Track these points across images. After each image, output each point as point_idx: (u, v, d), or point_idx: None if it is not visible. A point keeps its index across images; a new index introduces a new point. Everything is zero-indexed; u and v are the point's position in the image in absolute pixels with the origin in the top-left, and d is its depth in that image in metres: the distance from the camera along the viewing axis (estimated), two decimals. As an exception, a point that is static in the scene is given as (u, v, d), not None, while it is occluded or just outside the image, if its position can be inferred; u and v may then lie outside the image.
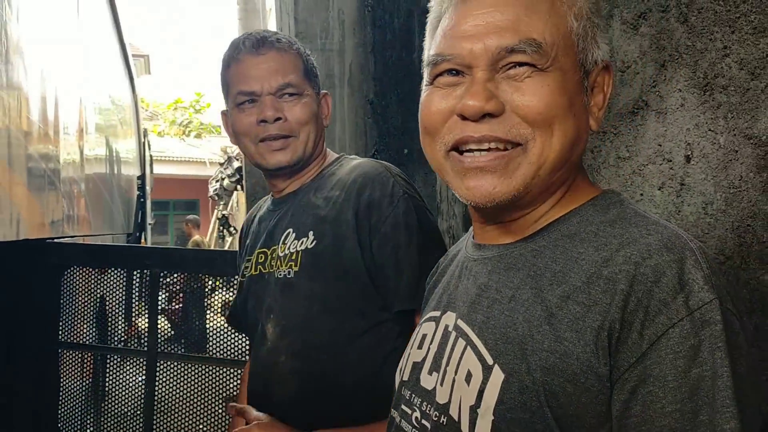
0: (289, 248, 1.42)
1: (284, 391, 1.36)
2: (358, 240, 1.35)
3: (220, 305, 4.51)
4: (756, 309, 1.25)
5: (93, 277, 2.68)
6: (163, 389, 2.44)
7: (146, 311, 2.57)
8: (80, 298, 2.50)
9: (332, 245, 1.37)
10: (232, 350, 2.60)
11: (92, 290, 2.64)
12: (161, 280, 3.36)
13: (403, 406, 0.88)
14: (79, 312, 2.54)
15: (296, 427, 1.31)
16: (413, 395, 0.85)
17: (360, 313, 1.34)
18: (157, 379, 2.39)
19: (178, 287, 3.88)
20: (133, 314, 4.72)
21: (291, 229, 1.45)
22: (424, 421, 0.81)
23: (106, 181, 4.93)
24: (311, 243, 1.38)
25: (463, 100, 0.77)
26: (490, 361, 0.74)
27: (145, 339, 2.97)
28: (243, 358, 2.78)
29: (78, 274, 2.45)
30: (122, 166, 6.65)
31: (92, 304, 2.76)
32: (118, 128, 6.56)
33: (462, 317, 0.82)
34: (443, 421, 0.78)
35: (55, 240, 2.53)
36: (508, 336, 0.74)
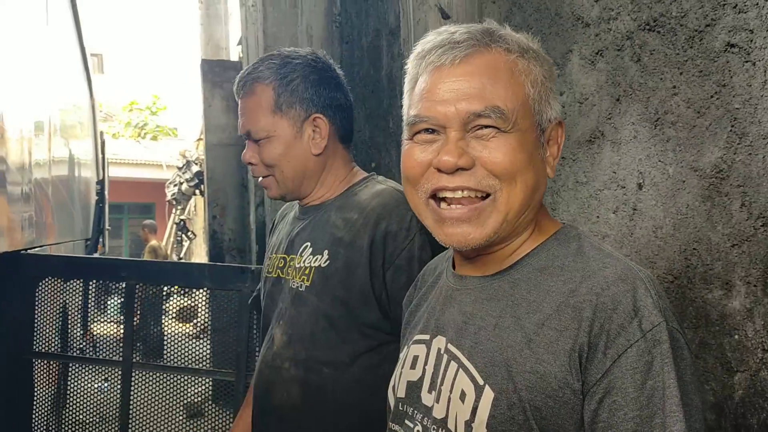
0: (304, 261, 1.47)
1: (284, 396, 1.44)
2: (370, 268, 1.39)
3: (176, 311, 4.53)
4: (701, 324, 1.39)
5: (67, 288, 2.70)
6: (138, 398, 2.48)
7: (104, 321, 2.61)
8: (56, 309, 2.53)
9: (343, 268, 1.41)
10: (189, 357, 2.64)
11: (67, 301, 2.66)
12: (114, 285, 3.38)
13: (406, 421, 0.98)
14: (54, 322, 2.56)
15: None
16: (415, 411, 0.96)
17: (364, 335, 1.39)
18: (133, 388, 2.43)
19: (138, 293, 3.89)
20: (89, 321, 4.70)
21: (309, 243, 1.50)
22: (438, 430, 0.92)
23: (68, 186, 4.90)
24: (324, 262, 1.43)
25: (439, 156, 0.89)
26: (481, 381, 0.87)
27: (104, 347, 3.01)
28: (203, 367, 2.83)
29: (53, 285, 2.48)
30: (80, 169, 6.58)
31: (66, 314, 2.78)
32: (78, 130, 6.50)
33: (452, 342, 0.94)
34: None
35: (29, 251, 2.55)
36: (495, 359, 0.87)
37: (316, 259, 1.45)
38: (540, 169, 0.93)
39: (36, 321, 2.42)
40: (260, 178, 1.56)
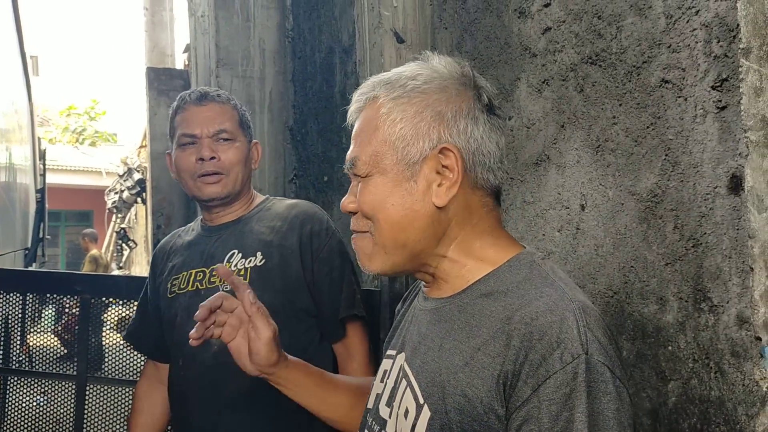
0: (235, 265, 1.69)
1: (237, 386, 1.58)
2: (302, 261, 1.69)
3: (115, 321, 4.48)
4: (638, 336, 1.50)
5: (10, 300, 2.66)
6: (91, 413, 2.47)
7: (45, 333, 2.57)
8: (6, 321, 2.49)
9: (279, 264, 1.68)
10: (129, 369, 2.65)
11: (9, 313, 2.62)
12: (50, 296, 3.34)
13: (365, 430, 1.06)
14: (5, 335, 2.53)
15: (243, 419, 1.59)
16: (374, 423, 1.03)
17: (298, 318, 1.68)
18: (86, 402, 2.42)
19: (72, 302, 3.84)
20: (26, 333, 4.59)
21: (236, 250, 1.72)
22: None
23: (9, 194, 4.79)
24: (260, 261, 1.68)
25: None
26: (421, 401, 0.94)
27: (41, 358, 2.96)
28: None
29: (4, 297, 2.44)
30: (20, 176, 6.41)
31: (8, 327, 2.73)
32: (17, 135, 6.34)
33: (407, 360, 1.01)
34: None
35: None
36: (435, 380, 0.93)
37: (249, 261, 1.68)
38: (410, 201, 0.95)
39: (-15, 335, 2.40)
40: (207, 177, 1.74)
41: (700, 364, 1.34)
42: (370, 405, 1.07)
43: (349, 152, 1.03)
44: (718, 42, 1.28)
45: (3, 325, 2.82)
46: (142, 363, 2.82)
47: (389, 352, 1.09)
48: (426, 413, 0.92)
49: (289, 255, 1.68)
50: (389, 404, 1.01)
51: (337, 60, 3.28)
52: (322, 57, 3.47)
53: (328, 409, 1.23)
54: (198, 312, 1.15)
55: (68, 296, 2.54)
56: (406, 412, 0.96)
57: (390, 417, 1.00)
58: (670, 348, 1.41)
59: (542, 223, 1.81)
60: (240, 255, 1.70)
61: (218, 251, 1.73)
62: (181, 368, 1.70)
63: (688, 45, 1.35)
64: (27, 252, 6.57)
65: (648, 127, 1.47)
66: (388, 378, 1.04)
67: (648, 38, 1.45)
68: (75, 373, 2.46)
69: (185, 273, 1.75)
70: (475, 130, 0.96)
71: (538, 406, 0.81)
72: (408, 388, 0.97)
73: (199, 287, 1.70)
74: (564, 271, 1.00)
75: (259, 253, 1.69)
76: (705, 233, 1.32)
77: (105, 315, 3.44)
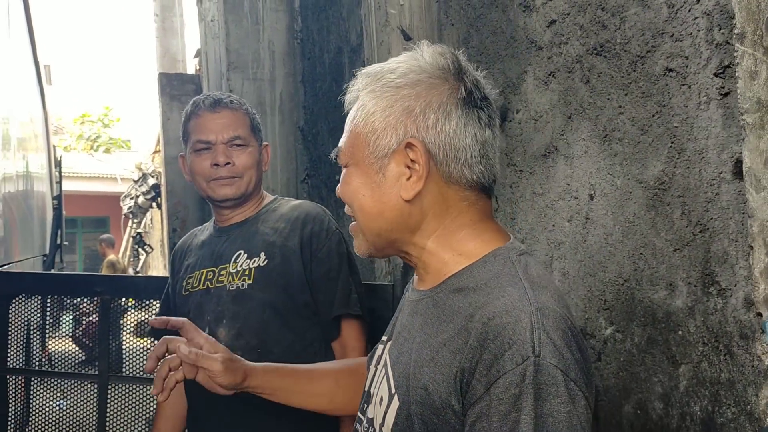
0: (241, 266, 1.75)
1: None
2: (302, 261, 1.74)
3: (133, 325, 4.53)
4: (648, 322, 1.52)
5: (31, 304, 2.72)
6: (114, 411, 2.52)
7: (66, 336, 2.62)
8: (23, 326, 2.55)
9: (281, 264, 1.73)
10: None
11: (31, 318, 2.67)
12: (68, 301, 3.39)
13: (359, 414, 1.11)
14: (21, 339, 2.58)
15: (252, 415, 1.63)
16: (366, 405, 1.07)
17: (301, 316, 1.74)
18: (108, 401, 2.47)
19: (90, 308, 3.89)
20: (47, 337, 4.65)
21: (242, 251, 1.77)
22: (365, 427, 1.05)
23: (27, 201, 4.87)
24: (263, 261, 1.74)
25: None
26: (393, 390, 0.97)
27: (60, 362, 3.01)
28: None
29: (24, 302, 2.50)
30: (37, 184, 6.51)
31: (30, 331, 2.79)
32: (34, 144, 6.43)
33: (388, 349, 1.05)
34: (365, 430, 1.04)
35: (2, 269, 2.56)
36: (405, 372, 0.96)
37: (253, 261, 1.75)
38: (379, 193, 0.98)
39: (10, 338, 2.44)
40: (221, 180, 1.81)
41: (709, 347, 1.36)
42: (366, 387, 1.11)
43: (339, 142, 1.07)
44: (720, 29, 1.29)
45: (24, 328, 2.88)
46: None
47: (383, 337, 1.12)
48: (395, 403, 0.95)
49: (291, 255, 1.74)
50: (373, 389, 1.05)
51: (345, 59, 3.31)
52: (331, 57, 3.50)
53: (312, 401, 1.28)
54: (146, 365, 1.20)
55: (88, 297, 2.59)
56: (381, 399, 1.00)
57: (371, 402, 1.04)
58: (680, 332, 1.43)
59: (552, 213, 1.83)
60: (245, 255, 1.77)
61: (226, 251, 1.80)
62: None
63: (691, 33, 1.37)
64: (45, 258, 6.66)
65: (653, 116, 1.49)
66: (378, 363, 1.08)
67: (651, 28, 1.47)
68: (97, 372, 2.51)
69: (198, 272, 1.82)
70: (446, 124, 0.95)
71: (489, 405, 0.83)
72: (385, 377, 1.01)
73: (209, 286, 1.77)
74: (541, 265, 0.99)
75: (262, 254, 1.74)
76: (712, 218, 1.34)
77: (123, 319, 3.49)
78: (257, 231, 1.80)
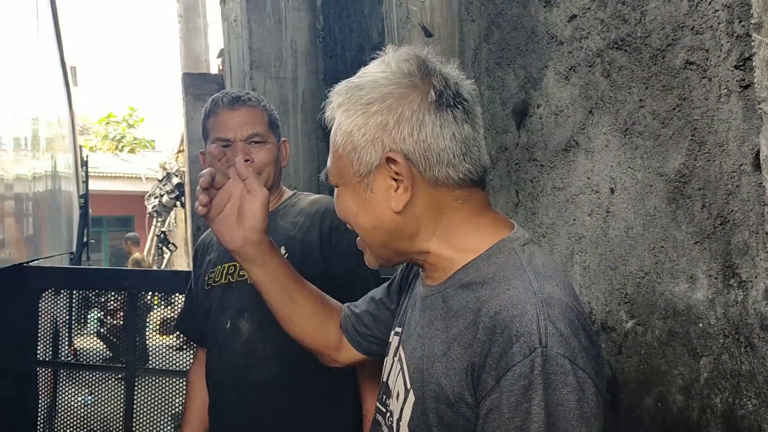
0: None
1: (265, 372, 1.71)
2: (321, 255, 1.77)
3: (158, 322, 4.58)
4: (669, 315, 1.53)
5: (59, 299, 2.78)
6: (141, 404, 2.57)
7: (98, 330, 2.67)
8: (52, 320, 2.61)
9: (301, 257, 1.75)
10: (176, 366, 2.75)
11: (58, 313, 2.73)
12: (95, 299, 3.45)
13: (379, 405, 1.13)
14: (50, 333, 2.64)
15: (272, 401, 1.69)
16: (386, 398, 1.10)
17: None
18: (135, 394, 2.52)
19: (117, 305, 3.94)
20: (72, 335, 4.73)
21: None
22: (389, 421, 1.07)
23: (55, 200, 4.96)
24: (284, 255, 1.73)
25: None
26: (408, 386, 1.00)
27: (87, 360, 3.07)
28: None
29: (53, 296, 2.57)
30: (64, 183, 6.61)
31: (57, 325, 2.85)
32: (62, 144, 6.54)
33: (402, 344, 1.07)
34: (389, 424, 1.05)
35: (31, 264, 2.63)
36: (419, 367, 0.98)
37: None
38: (371, 208, 0.99)
39: (39, 331, 2.51)
40: None
41: (730, 340, 1.36)
42: (384, 378, 1.12)
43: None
44: (740, 22, 1.30)
45: (53, 323, 2.94)
46: (185, 362, 2.92)
47: (396, 328, 1.14)
48: (411, 398, 0.97)
49: (310, 248, 1.77)
50: (391, 382, 1.08)
51: (367, 57, 3.33)
52: (353, 55, 3.53)
53: (296, 313, 1.28)
54: (201, 180, 1.19)
55: (115, 291, 2.64)
56: (398, 395, 1.02)
57: (391, 396, 1.06)
58: (700, 325, 1.43)
59: (573, 208, 1.83)
60: None
61: None
62: (216, 355, 1.80)
63: (711, 26, 1.37)
64: (72, 256, 6.78)
65: (674, 109, 1.49)
66: (394, 356, 1.10)
67: (671, 21, 1.47)
68: (124, 365, 2.56)
69: (220, 267, 1.86)
70: (421, 132, 0.95)
71: (500, 397, 0.84)
72: (400, 372, 1.04)
73: (231, 280, 1.81)
74: (546, 254, 1.00)
75: (282, 248, 1.76)
76: (732, 210, 1.34)
77: (148, 317, 3.55)
78: (277, 225, 1.83)
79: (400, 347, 1.07)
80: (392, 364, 1.09)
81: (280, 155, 1.89)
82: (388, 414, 1.06)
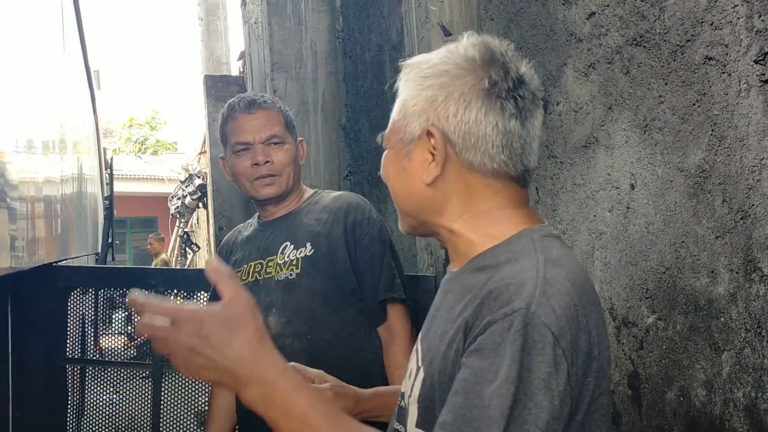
0: (288, 256, 1.83)
1: None
2: (347, 249, 1.80)
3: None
4: (690, 310, 1.53)
5: (86, 299, 2.84)
6: (167, 401, 2.62)
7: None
8: (79, 318, 2.67)
9: (327, 253, 1.80)
10: None
11: (86, 312, 2.79)
12: (119, 299, 3.51)
13: (402, 388, 1.15)
14: (78, 331, 2.70)
15: None
16: (405, 380, 1.12)
17: (347, 303, 1.81)
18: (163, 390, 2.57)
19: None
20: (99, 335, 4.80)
21: (289, 242, 1.85)
22: (404, 401, 1.09)
23: (81, 201, 5.04)
24: (309, 251, 1.81)
25: None
26: (419, 363, 1.03)
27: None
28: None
29: (82, 295, 2.63)
30: (89, 185, 6.71)
31: (85, 324, 2.91)
32: (87, 146, 6.63)
33: (423, 327, 1.11)
34: (402, 404, 1.08)
35: (60, 264, 2.69)
36: (430, 346, 1.01)
37: (300, 251, 1.82)
38: (406, 177, 1.04)
39: (68, 329, 2.57)
40: (263, 179, 1.90)
41: (752, 334, 1.36)
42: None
43: None
44: (759, 17, 1.30)
45: (80, 321, 3.00)
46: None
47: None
48: (421, 374, 1.01)
49: (336, 243, 1.80)
50: (410, 364, 1.11)
51: (386, 57, 3.36)
52: (372, 55, 3.55)
53: None
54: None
55: (143, 290, 2.68)
56: (410, 373, 1.06)
57: (405, 377, 1.10)
58: (722, 319, 1.44)
59: (593, 204, 1.84)
60: (292, 246, 1.84)
61: (272, 244, 1.88)
62: None
63: (730, 21, 1.37)
64: (97, 256, 6.87)
65: (694, 104, 1.49)
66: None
67: (690, 17, 1.48)
68: (151, 362, 2.61)
69: (246, 266, 1.90)
70: (465, 114, 0.98)
71: (478, 351, 0.86)
72: (415, 351, 1.08)
73: (258, 278, 1.85)
74: (568, 249, 1.00)
75: (308, 244, 1.81)
76: (753, 205, 1.35)
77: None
78: (301, 223, 1.87)
79: (421, 332, 1.10)
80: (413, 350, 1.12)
81: (298, 155, 1.94)
82: (404, 394, 1.09)
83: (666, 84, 1.57)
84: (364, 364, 1.79)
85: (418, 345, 1.07)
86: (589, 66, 1.81)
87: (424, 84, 1.02)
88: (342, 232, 1.82)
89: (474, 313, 0.90)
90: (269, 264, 1.86)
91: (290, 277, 1.81)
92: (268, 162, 1.86)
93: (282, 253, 1.85)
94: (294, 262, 1.82)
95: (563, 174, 1.96)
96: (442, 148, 1.00)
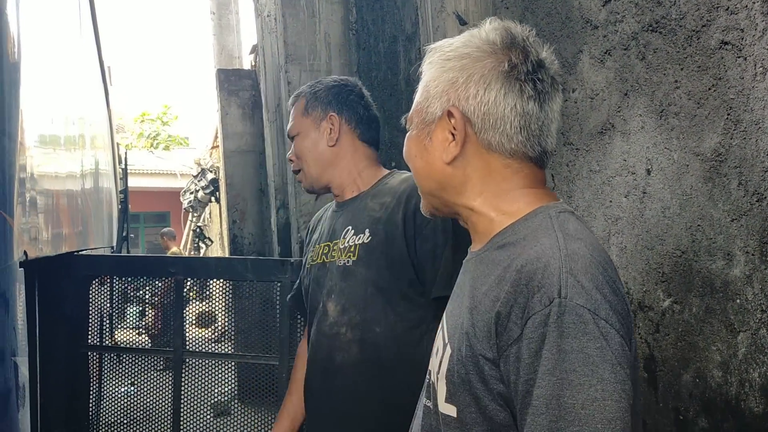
0: (348, 242, 1.75)
1: (345, 356, 1.68)
2: (405, 238, 1.66)
3: (195, 317, 4.66)
4: (706, 293, 1.55)
5: (103, 289, 2.88)
6: (185, 391, 2.66)
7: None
8: (100, 307, 2.72)
9: (384, 241, 1.68)
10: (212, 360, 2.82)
11: (102, 302, 2.83)
12: (133, 293, 3.55)
13: (429, 365, 1.18)
14: (97, 320, 2.74)
15: (352, 387, 1.65)
16: (431, 358, 1.15)
17: (405, 296, 1.65)
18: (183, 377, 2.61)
19: (156, 299, 4.05)
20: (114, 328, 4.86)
21: (350, 227, 1.77)
22: (432, 377, 1.12)
23: (98, 195, 5.11)
24: (367, 238, 1.70)
25: None
26: (446, 340, 1.06)
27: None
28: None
29: (104, 283, 2.67)
30: (105, 179, 6.79)
31: (102, 314, 2.95)
32: (102, 141, 6.71)
33: (447, 305, 1.14)
34: (430, 381, 1.11)
35: (81, 252, 2.74)
36: (455, 323, 1.04)
37: (359, 238, 1.73)
38: (431, 157, 1.07)
39: (90, 317, 2.61)
40: (299, 172, 1.87)
41: (768, 314, 1.38)
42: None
43: None
44: (776, 0, 1.31)
45: (100, 311, 3.05)
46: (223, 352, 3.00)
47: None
48: (448, 351, 1.03)
49: (394, 231, 1.67)
50: (436, 342, 1.14)
51: (400, 48, 3.37)
52: (386, 46, 3.57)
53: None
54: None
55: (163, 278, 2.73)
56: (437, 350, 1.09)
57: (436, 354, 1.12)
58: (738, 301, 1.45)
59: (609, 190, 1.86)
60: (352, 232, 1.76)
61: (339, 227, 1.81)
62: (312, 334, 1.81)
63: (746, 6, 1.39)
64: (113, 250, 6.95)
65: (710, 89, 1.51)
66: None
67: (706, 2, 1.49)
68: (172, 349, 2.65)
69: (317, 246, 1.87)
70: (484, 95, 1.01)
71: (521, 345, 0.89)
72: (441, 329, 1.11)
73: (325, 260, 1.81)
74: (583, 224, 1.03)
75: (367, 230, 1.72)
76: (769, 187, 1.36)
77: (186, 310, 3.63)
78: (365, 206, 1.77)
79: (445, 310, 1.13)
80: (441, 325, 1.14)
81: (319, 137, 1.82)
82: (431, 371, 1.11)
83: (682, 69, 1.58)
84: (417, 365, 1.55)
85: (444, 322, 1.10)
86: (605, 52, 1.83)
87: (446, 66, 1.05)
88: (401, 219, 1.67)
89: (507, 302, 0.92)
90: (334, 248, 1.80)
91: (347, 264, 1.73)
92: (292, 160, 1.87)
93: (344, 237, 1.77)
94: (352, 249, 1.73)
95: (579, 160, 1.98)
96: (461, 128, 1.04)
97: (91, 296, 2.63)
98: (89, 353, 2.67)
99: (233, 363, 3.19)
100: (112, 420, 3.06)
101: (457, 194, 1.08)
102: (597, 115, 1.88)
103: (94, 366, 3.16)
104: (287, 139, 1.94)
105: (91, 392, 2.80)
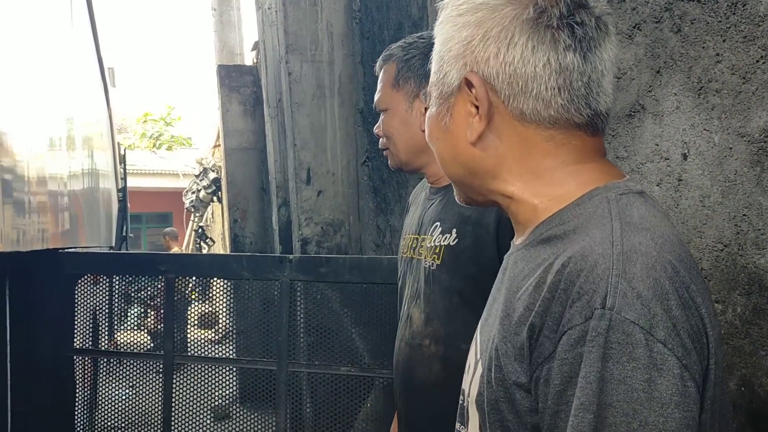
0: (434, 241, 1.52)
1: (426, 373, 1.48)
2: (497, 244, 1.41)
3: (196, 318, 4.52)
4: (753, 290, 1.38)
5: (98, 289, 2.73)
6: (180, 394, 2.50)
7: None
8: (89, 308, 2.57)
9: (472, 245, 1.45)
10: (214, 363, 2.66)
11: (97, 302, 2.69)
12: (135, 293, 3.41)
13: (462, 384, 0.97)
14: (88, 321, 2.60)
15: (432, 410, 1.45)
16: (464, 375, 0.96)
17: None
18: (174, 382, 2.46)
19: (157, 300, 3.91)
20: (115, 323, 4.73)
21: (438, 223, 1.53)
22: (463, 401, 0.92)
23: (94, 194, 4.98)
24: (453, 240, 1.47)
25: None
26: (478, 356, 0.86)
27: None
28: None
29: (91, 282, 2.52)
30: (103, 178, 6.66)
31: (96, 315, 2.81)
32: (101, 140, 6.58)
33: (483, 314, 0.93)
34: (463, 404, 0.91)
35: (68, 250, 2.59)
36: (488, 335, 0.83)
37: (445, 238, 1.49)
38: (454, 137, 0.87)
39: (76, 318, 2.46)
40: (386, 150, 1.63)
41: (831, 315, 1.21)
42: None
43: None
44: (842, -47, 1.15)
45: (91, 311, 2.90)
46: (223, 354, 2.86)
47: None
48: (479, 369, 0.84)
49: (485, 235, 1.43)
50: (469, 357, 0.94)
51: (406, 35, 3.21)
52: (391, 34, 3.41)
53: None
54: None
55: (153, 276, 2.58)
56: (469, 367, 0.90)
57: (467, 371, 0.93)
58: (794, 299, 1.29)
59: (639, 178, 1.69)
60: (440, 229, 1.53)
61: (427, 220, 1.59)
62: (398, 334, 1.62)
63: (804, -37, 1.22)
64: (112, 250, 6.81)
65: (757, 62, 1.34)
66: None
67: (755, -37, 1.33)
68: (162, 353, 2.50)
69: (407, 236, 1.66)
70: (508, 53, 0.79)
71: (552, 366, 0.71)
72: (474, 342, 0.91)
73: (412, 255, 1.60)
74: (654, 208, 0.81)
75: (454, 230, 1.48)
76: (832, 169, 1.20)
77: (188, 311, 3.50)
78: (455, 203, 1.55)
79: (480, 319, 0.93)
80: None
81: (412, 111, 1.55)
82: (464, 391, 0.92)
83: (724, 41, 1.42)
84: None
85: (477, 335, 0.89)
86: (634, 27, 1.66)
87: (459, 22, 0.83)
88: (494, 221, 1.42)
89: (542, 312, 0.73)
90: (422, 243, 1.57)
91: (432, 268, 1.51)
92: (380, 137, 1.62)
93: (431, 234, 1.54)
94: (437, 250, 1.50)
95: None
96: (484, 98, 0.81)
97: (78, 296, 2.47)
98: (75, 357, 2.50)
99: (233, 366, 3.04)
100: (107, 425, 2.92)
101: (491, 179, 0.86)
102: (625, 96, 1.72)
103: (87, 370, 3.01)
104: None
105: (79, 397, 2.64)
